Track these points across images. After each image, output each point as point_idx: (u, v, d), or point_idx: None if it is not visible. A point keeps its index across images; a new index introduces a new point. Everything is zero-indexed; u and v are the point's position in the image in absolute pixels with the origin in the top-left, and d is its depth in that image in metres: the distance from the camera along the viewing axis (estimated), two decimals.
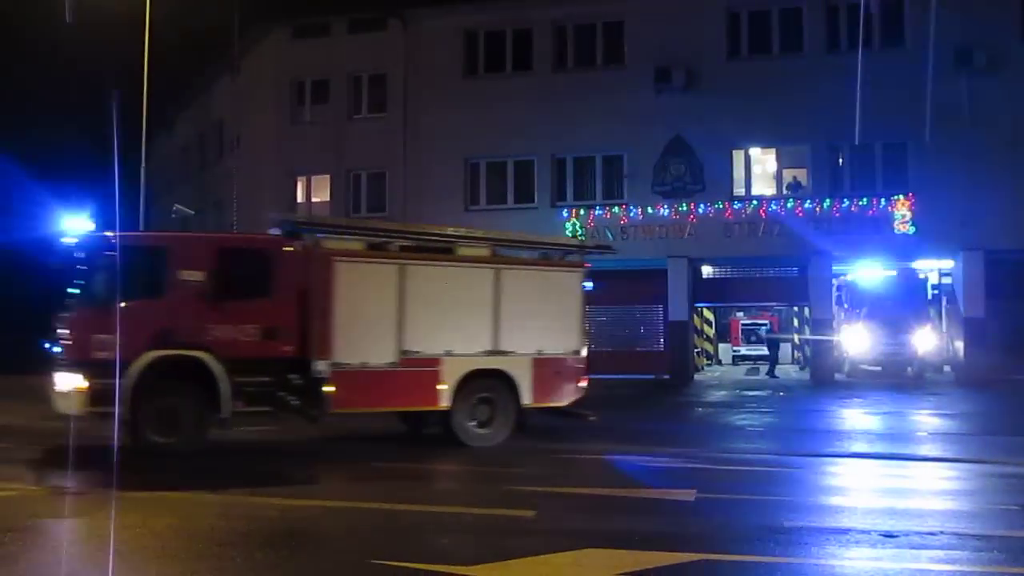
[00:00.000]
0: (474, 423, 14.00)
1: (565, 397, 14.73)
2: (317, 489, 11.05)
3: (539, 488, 10.54)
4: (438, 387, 13.62)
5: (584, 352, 14.90)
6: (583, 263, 15.42)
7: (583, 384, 14.88)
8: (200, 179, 36.94)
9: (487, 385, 14.06)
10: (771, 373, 30.17)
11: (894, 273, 27.18)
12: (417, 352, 13.49)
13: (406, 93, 29.51)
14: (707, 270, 28.81)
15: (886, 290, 27.03)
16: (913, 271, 27.53)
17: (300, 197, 31.20)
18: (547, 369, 14.42)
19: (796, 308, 33.64)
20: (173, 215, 30.91)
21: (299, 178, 31.24)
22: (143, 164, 26.90)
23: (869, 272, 27.03)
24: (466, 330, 13.92)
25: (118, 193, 12.44)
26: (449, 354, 13.73)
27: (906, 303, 26.75)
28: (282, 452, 13.99)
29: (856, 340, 26.63)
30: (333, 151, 30.01)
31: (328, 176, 30.64)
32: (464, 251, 14.44)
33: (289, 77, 30.91)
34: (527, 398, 14.25)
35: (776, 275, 28.55)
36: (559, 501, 10.02)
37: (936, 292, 28.43)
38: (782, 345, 34.55)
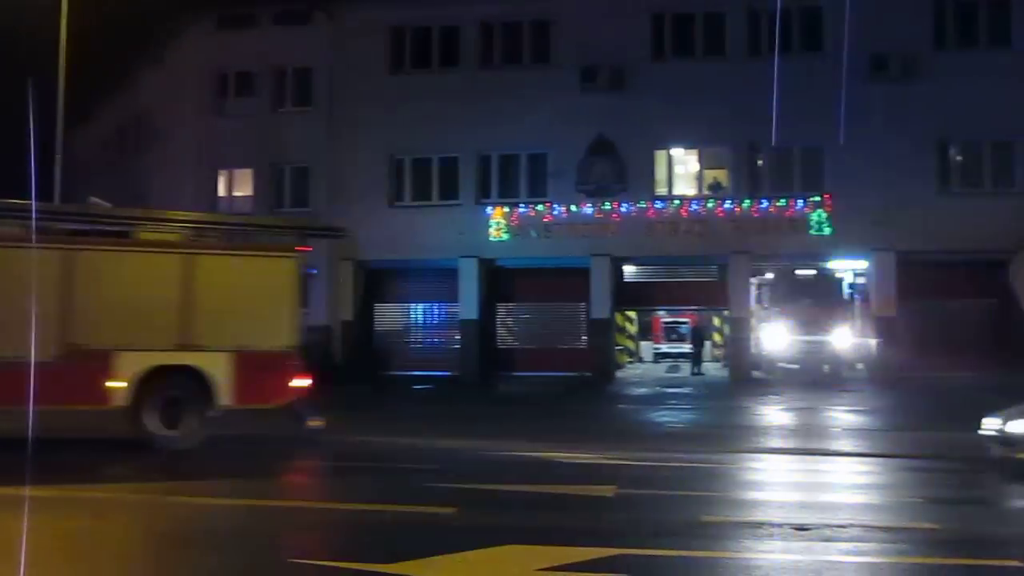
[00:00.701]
0: (160, 424, 12.98)
1: (275, 398, 13.51)
2: (229, 487, 10.92)
3: (459, 485, 10.58)
4: (111, 384, 12.62)
5: (297, 347, 13.71)
6: (295, 247, 14.02)
7: (300, 383, 13.57)
8: (121, 171, 36.14)
9: (176, 383, 13.05)
10: (697, 370, 30.55)
11: (812, 272, 27.71)
12: (85, 345, 12.50)
13: (331, 87, 29.24)
14: (629, 270, 29.05)
15: (804, 289, 27.50)
16: (830, 270, 28.13)
17: (222, 191, 30.72)
18: (251, 366, 13.23)
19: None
20: None
21: (221, 172, 30.75)
22: (58, 155, 26.25)
23: (787, 271, 27.49)
24: (149, 322, 12.86)
25: (34, 185, 11.99)
26: (126, 348, 12.70)
27: (823, 302, 27.25)
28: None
29: (774, 338, 27.07)
30: (256, 145, 29.60)
31: (251, 170, 30.21)
32: (147, 235, 13.46)
33: (212, 68, 30.39)
34: (226, 398, 13.15)
35: (696, 274, 28.93)
36: (479, 498, 10.07)
37: (851, 291, 29.09)
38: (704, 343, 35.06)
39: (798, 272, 27.33)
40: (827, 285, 27.74)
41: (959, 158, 26.42)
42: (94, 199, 15.88)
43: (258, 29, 30.03)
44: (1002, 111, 25.28)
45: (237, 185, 30.65)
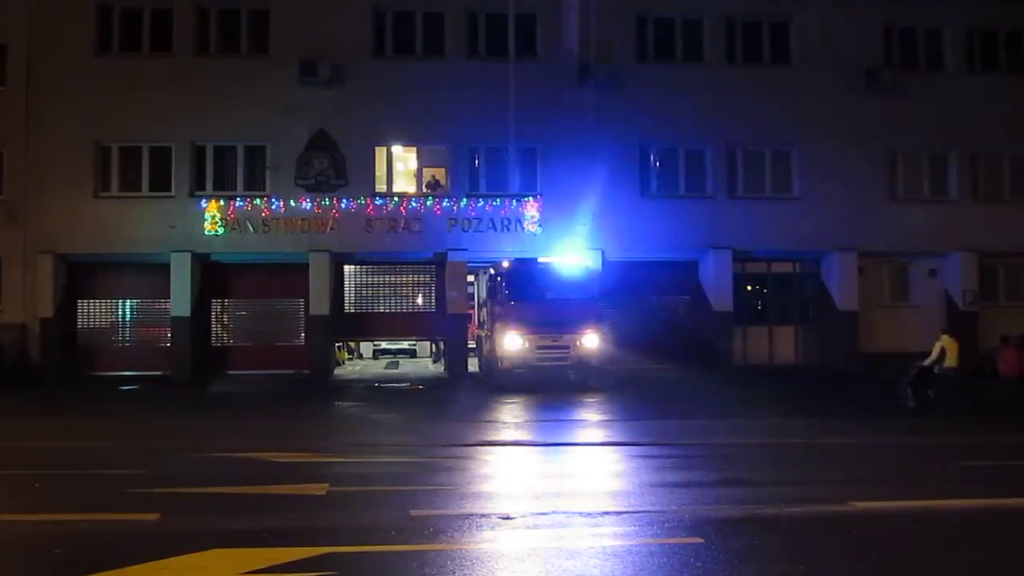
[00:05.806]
0: None
1: None
2: None
3: (164, 489, 10.21)
4: None
5: None
6: None
7: None
8: None
9: None
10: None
11: (556, 261, 24.56)
12: None
13: (29, 66, 27.13)
14: (348, 269, 28.78)
15: (544, 281, 23.95)
16: (576, 261, 25.05)
17: None
18: None
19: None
20: None
21: None
22: None
23: (525, 261, 24.31)
24: None
25: None
26: None
27: (565, 295, 23.76)
28: None
29: (508, 339, 23.28)
30: None
31: None
32: None
33: None
34: None
35: (415, 271, 29.05)
36: (185, 502, 9.76)
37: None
38: (421, 342, 35.32)
39: (539, 261, 24.41)
40: (571, 277, 24.13)
41: (658, 164, 28.28)
42: None
43: None
44: (695, 121, 27.42)
45: None
